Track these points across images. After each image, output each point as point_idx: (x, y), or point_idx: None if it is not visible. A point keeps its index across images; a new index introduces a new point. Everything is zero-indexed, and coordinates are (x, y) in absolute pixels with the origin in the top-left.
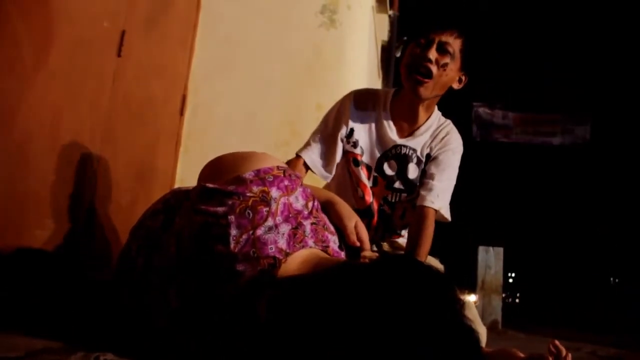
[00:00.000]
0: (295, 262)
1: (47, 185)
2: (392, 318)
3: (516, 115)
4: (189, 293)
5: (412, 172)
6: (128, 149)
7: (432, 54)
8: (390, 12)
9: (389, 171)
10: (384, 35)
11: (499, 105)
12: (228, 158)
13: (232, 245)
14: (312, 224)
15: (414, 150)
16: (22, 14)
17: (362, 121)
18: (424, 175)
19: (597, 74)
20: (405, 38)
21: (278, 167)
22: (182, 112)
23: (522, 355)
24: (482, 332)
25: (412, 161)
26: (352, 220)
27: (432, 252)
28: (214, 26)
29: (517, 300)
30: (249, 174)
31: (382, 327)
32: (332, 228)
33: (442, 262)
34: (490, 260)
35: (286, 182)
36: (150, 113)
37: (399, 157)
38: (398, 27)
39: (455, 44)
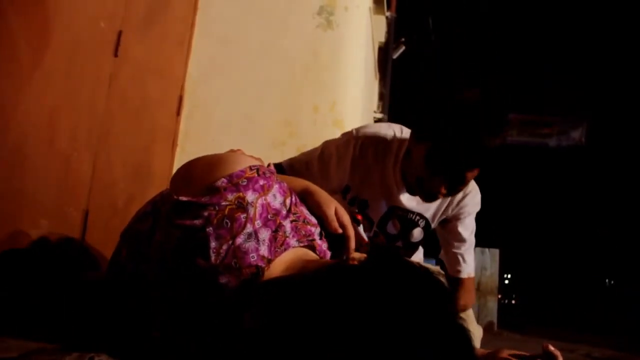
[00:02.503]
0: (278, 268)
1: (43, 185)
2: (388, 321)
3: (513, 116)
4: (179, 302)
5: (417, 236)
6: (124, 150)
7: (445, 188)
8: (388, 14)
9: (391, 230)
10: (381, 37)
11: None
12: (198, 166)
13: (212, 258)
14: (292, 221)
15: (422, 217)
16: (19, 14)
17: (366, 173)
18: (445, 241)
19: (595, 78)
20: (403, 39)
21: (250, 168)
22: (178, 113)
23: (517, 356)
24: (477, 332)
25: (418, 226)
26: (331, 207)
27: (428, 254)
28: (211, 27)
29: (513, 302)
30: (221, 182)
31: (378, 330)
32: (313, 220)
33: (437, 264)
34: (486, 262)
35: (261, 182)
36: (146, 113)
37: (405, 220)
38: (395, 29)
39: (474, 171)
